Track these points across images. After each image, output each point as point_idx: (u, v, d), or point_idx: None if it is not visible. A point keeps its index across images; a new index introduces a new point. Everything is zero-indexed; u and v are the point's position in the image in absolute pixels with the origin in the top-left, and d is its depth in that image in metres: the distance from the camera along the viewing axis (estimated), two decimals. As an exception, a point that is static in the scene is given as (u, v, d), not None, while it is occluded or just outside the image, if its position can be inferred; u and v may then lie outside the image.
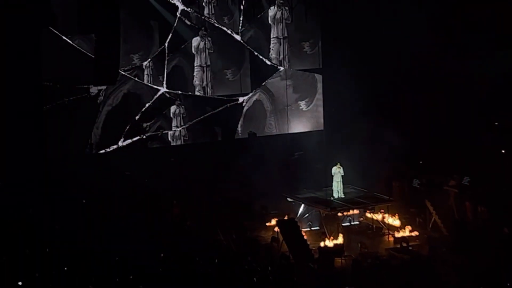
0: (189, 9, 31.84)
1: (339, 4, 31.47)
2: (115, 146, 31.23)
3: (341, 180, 28.67)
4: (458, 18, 30.87)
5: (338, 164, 28.65)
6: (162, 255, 23.26)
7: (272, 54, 33.29)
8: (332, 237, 26.58)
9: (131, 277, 21.13)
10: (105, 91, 30.93)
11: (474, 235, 25.78)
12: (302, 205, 28.63)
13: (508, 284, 21.24)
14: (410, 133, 30.98)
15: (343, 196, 28.58)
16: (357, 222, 28.59)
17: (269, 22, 33.12)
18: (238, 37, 32.76)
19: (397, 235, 27.21)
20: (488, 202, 27.76)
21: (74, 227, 25.12)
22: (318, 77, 34.07)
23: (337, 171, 28.58)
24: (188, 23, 31.94)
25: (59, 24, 29.76)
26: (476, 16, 30.45)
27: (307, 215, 28.57)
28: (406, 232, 27.28)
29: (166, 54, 31.71)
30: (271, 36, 33.26)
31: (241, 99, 33.21)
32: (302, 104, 34.15)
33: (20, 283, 20.30)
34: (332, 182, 28.63)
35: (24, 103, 29.07)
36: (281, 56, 33.35)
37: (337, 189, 28.60)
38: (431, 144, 31.46)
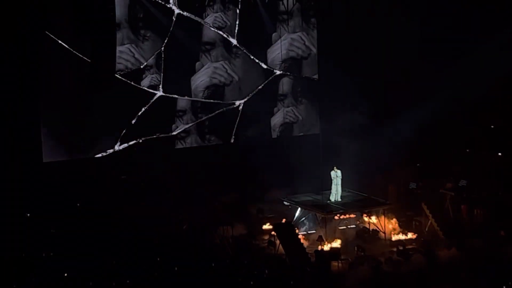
0: (185, 13, 31.83)
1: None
2: (111, 150, 31.18)
3: (340, 183, 28.67)
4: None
5: (335, 167, 28.66)
6: (158, 259, 23.26)
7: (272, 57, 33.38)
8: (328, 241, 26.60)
9: (127, 281, 21.15)
10: (102, 95, 30.89)
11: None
12: (299, 209, 28.63)
13: (504, 287, 21.30)
14: (406, 137, 30.96)
15: (340, 199, 28.58)
16: (354, 226, 28.57)
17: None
18: (234, 41, 32.75)
19: (394, 238, 27.22)
20: (484, 205, 27.80)
21: (70, 230, 25.12)
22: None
23: (334, 175, 28.60)
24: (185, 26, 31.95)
25: (55, 28, 29.69)
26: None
27: (303, 218, 28.57)
28: (402, 236, 27.29)
29: (163, 58, 31.67)
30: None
31: (237, 103, 33.19)
32: (300, 107, 34.17)
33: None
34: (330, 185, 28.63)
35: (20, 107, 29.04)
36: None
37: (335, 192, 28.60)
38: (427, 147, 31.47)
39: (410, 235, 27.38)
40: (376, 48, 32.16)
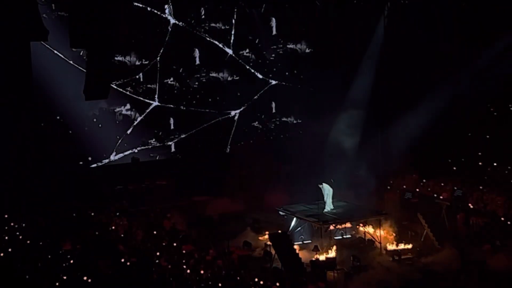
0: (181, 23, 31.90)
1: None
2: (107, 160, 31.20)
3: (331, 192, 28.66)
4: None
5: (332, 180, 28.68)
6: (153, 269, 23.21)
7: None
8: (324, 251, 26.60)
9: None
10: (98, 106, 30.93)
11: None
12: (294, 219, 28.62)
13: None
14: (401, 146, 31.02)
15: (332, 208, 28.58)
16: (349, 236, 28.57)
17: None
18: (230, 51, 32.83)
19: (390, 248, 27.22)
20: (480, 214, 27.84)
21: (64, 240, 25.06)
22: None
23: (327, 186, 28.60)
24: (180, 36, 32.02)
25: (50, 38, 29.71)
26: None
27: (299, 228, 28.55)
28: (398, 245, 27.30)
29: (158, 68, 31.74)
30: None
31: (233, 113, 33.24)
32: (292, 117, 34.24)
33: None
34: (323, 195, 28.66)
35: (17, 118, 29.05)
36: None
37: (328, 202, 28.61)
38: (423, 157, 31.51)
39: (406, 245, 27.37)
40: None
